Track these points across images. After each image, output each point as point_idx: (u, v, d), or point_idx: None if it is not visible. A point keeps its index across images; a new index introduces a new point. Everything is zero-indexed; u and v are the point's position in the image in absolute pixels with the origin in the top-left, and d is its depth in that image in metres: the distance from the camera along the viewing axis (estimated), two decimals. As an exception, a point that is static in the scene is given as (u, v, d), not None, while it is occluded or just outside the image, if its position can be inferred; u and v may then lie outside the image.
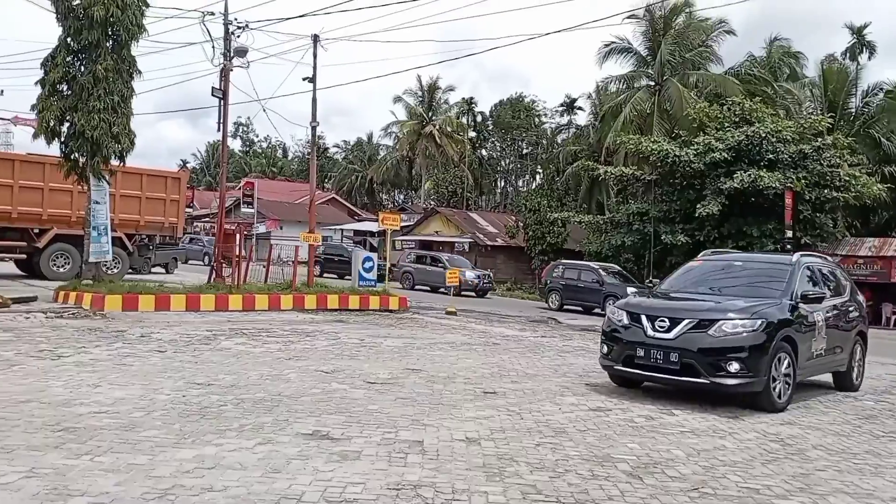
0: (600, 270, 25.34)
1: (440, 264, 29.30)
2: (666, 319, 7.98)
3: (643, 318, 8.16)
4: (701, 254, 11.05)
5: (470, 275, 29.10)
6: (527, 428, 6.44)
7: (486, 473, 5.00)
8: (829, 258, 11.11)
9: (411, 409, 6.94)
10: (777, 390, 7.90)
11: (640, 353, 8.05)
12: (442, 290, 28.04)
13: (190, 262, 34.79)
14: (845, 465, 5.88)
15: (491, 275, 31.54)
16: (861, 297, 10.43)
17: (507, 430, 6.28)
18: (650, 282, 13.97)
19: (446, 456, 5.37)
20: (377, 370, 9.12)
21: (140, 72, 15.26)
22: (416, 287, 29.73)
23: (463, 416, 6.73)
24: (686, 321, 7.87)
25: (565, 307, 25.52)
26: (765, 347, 7.64)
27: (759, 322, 7.73)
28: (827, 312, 8.92)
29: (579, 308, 25.26)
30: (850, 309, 9.80)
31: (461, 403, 7.33)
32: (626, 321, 8.35)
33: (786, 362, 7.97)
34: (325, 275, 30.52)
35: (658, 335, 7.92)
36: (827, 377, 10.04)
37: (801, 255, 9.55)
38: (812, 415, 8.06)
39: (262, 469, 4.79)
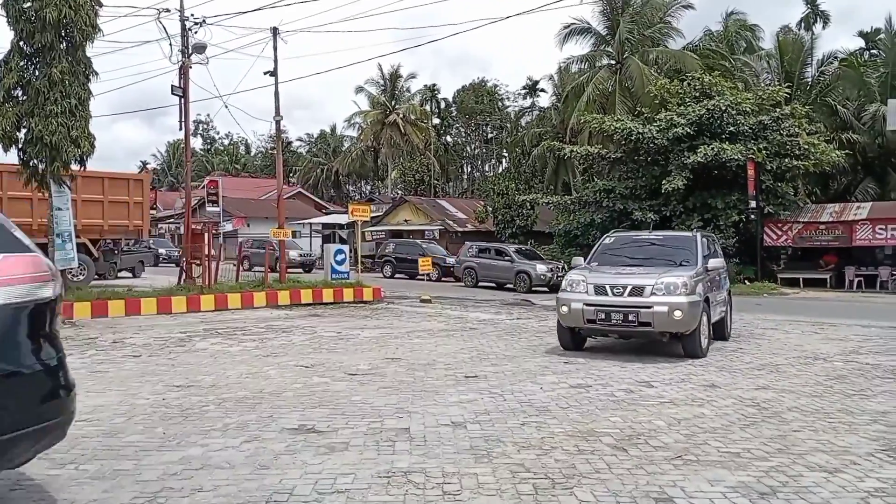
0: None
1: (506, 257, 26.18)
2: None
3: None
4: None
5: (542, 268, 24.99)
6: (510, 409, 6.51)
7: (475, 455, 5.05)
8: None
9: (395, 397, 6.97)
10: None
11: None
12: (509, 285, 24.98)
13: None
14: (820, 425, 6.06)
15: (565, 266, 24.82)
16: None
17: (492, 412, 6.35)
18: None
19: (434, 441, 5.41)
20: (357, 361, 9.13)
21: (97, 73, 14.91)
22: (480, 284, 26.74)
23: (447, 402, 6.78)
24: None
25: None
26: None
27: None
28: None
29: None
30: None
31: (444, 389, 7.38)
32: None
33: None
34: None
35: None
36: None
37: None
38: (785, 378, 8.26)
39: (251, 466, 4.78)
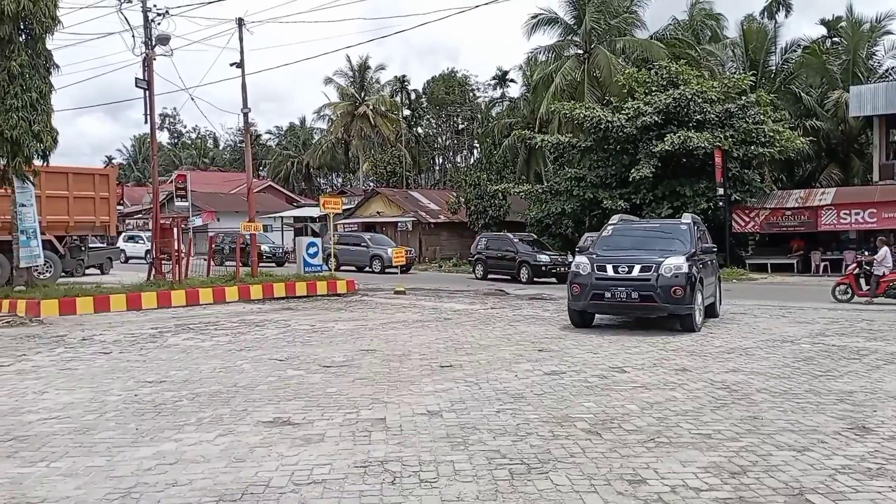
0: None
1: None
2: None
3: None
4: None
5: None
6: (486, 397, 6.54)
7: (451, 443, 5.08)
8: None
9: (370, 388, 6.97)
10: None
11: None
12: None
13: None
14: (788, 405, 6.19)
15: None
16: None
17: (467, 401, 6.38)
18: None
19: (409, 430, 5.42)
20: (331, 354, 9.10)
21: (58, 66, 14.61)
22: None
23: (422, 391, 6.80)
24: None
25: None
26: None
27: None
28: None
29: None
30: None
31: (419, 379, 7.39)
32: None
33: None
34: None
35: None
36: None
37: None
38: (754, 361, 8.42)
39: (226, 459, 4.75)
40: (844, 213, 26.08)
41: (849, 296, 16.00)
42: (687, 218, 12.90)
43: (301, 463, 4.67)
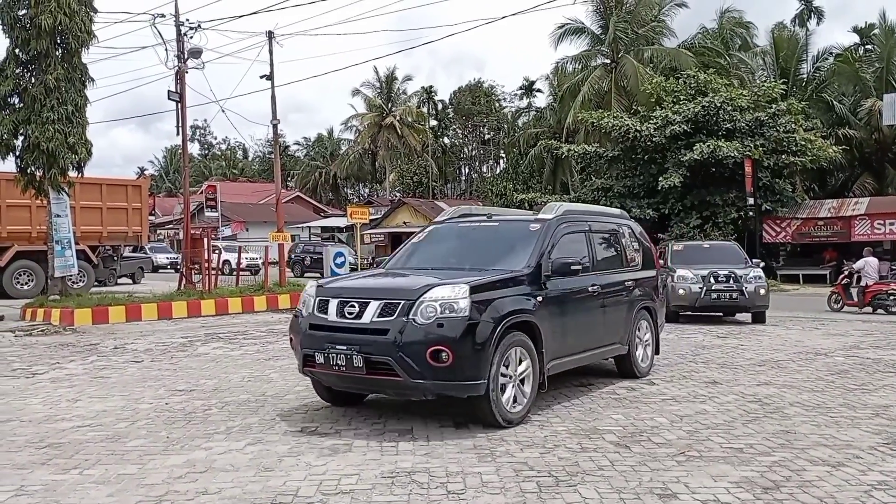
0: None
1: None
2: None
3: None
4: None
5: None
6: (513, 408, 6.50)
7: (478, 455, 5.06)
8: None
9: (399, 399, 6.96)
10: None
11: None
12: None
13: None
14: (822, 420, 6.06)
15: None
16: None
17: (494, 412, 6.33)
18: None
19: (437, 441, 5.41)
20: (358, 363, 9.11)
21: (93, 79, 14.95)
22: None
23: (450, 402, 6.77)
24: None
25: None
26: None
27: None
28: None
29: None
30: None
31: (446, 389, 7.36)
32: None
33: None
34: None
35: None
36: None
37: None
38: (787, 374, 8.28)
39: (255, 469, 4.78)
40: (878, 223, 25.61)
41: (839, 305, 16.47)
42: (549, 212, 7.24)
43: (329, 473, 4.68)
